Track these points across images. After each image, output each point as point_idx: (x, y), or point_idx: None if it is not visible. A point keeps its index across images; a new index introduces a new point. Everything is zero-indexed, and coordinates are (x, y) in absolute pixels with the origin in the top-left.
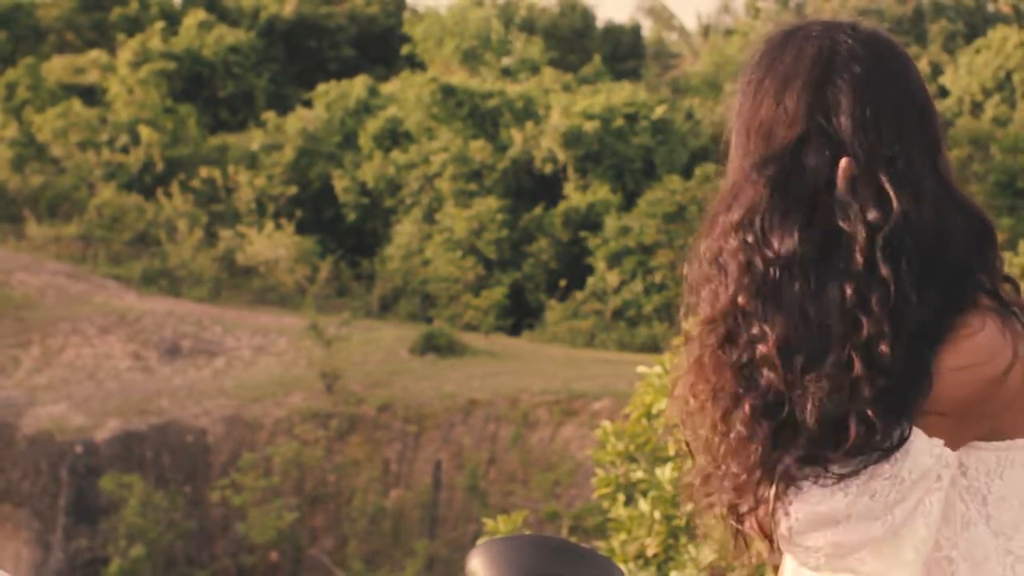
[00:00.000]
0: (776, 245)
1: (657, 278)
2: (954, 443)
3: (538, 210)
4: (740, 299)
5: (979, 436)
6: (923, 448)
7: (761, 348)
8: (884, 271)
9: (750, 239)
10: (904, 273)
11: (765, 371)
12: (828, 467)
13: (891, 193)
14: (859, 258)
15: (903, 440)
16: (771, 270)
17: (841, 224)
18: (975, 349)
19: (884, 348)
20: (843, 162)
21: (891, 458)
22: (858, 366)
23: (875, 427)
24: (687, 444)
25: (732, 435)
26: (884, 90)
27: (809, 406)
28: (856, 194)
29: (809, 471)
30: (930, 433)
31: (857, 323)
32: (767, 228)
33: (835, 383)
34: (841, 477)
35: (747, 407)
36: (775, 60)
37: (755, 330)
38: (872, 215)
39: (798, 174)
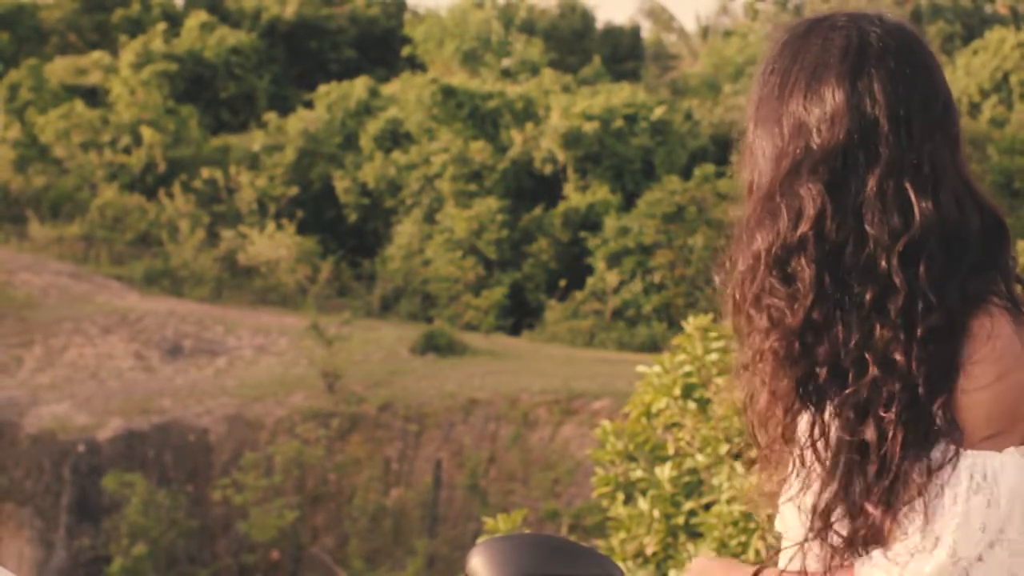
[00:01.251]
0: (845, 258)
1: (656, 278)
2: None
3: (538, 210)
4: (815, 314)
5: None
6: (1011, 469)
7: (824, 370)
8: (899, 277)
9: (820, 252)
10: (923, 277)
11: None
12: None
13: (913, 199)
14: (883, 264)
15: (954, 456)
16: (840, 282)
17: (867, 228)
18: (999, 361)
19: (898, 356)
20: (871, 179)
21: (975, 486)
22: (872, 371)
23: (902, 439)
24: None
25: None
26: (914, 85)
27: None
28: (884, 199)
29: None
30: (989, 447)
31: (873, 328)
32: (835, 239)
33: (857, 394)
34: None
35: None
36: (801, 49)
37: (828, 344)
38: (895, 221)
39: (851, 178)
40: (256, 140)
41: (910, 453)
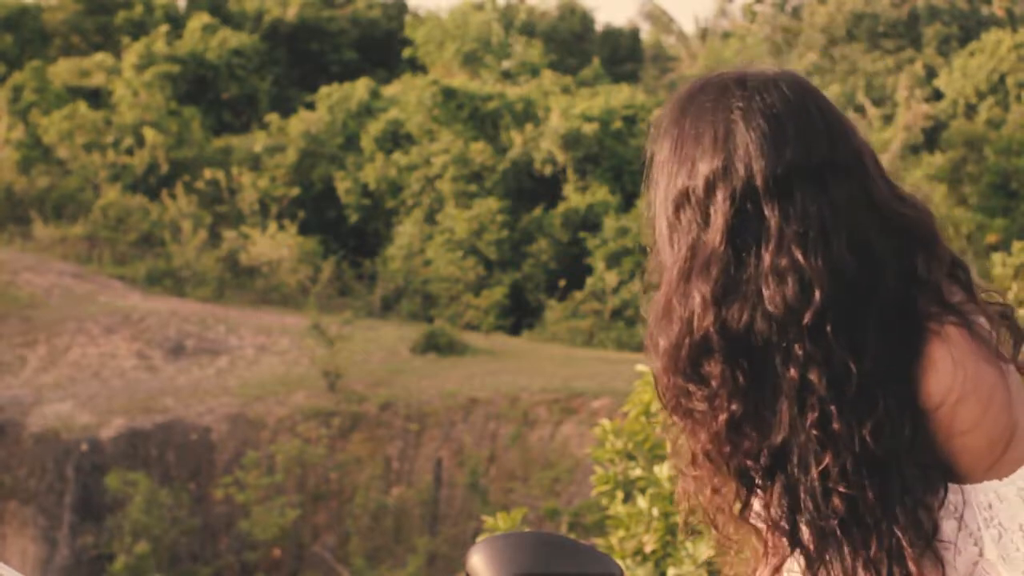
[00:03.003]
0: (755, 344)
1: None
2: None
3: (538, 211)
4: (735, 410)
5: None
6: (1012, 497)
7: (763, 460)
8: (809, 349)
9: (727, 346)
10: (833, 339)
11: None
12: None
13: (804, 265)
14: (795, 344)
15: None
16: (757, 370)
17: (769, 308)
18: (975, 393)
19: (836, 425)
20: (765, 255)
21: (984, 520)
22: (816, 449)
23: (869, 502)
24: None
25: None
26: (787, 139)
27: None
28: (778, 274)
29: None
30: (1001, 475)
31: (806, 405)
32: (738, 329)
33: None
34: None
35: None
36: (678, 140)
37: (759, 435)
38: (791, 294)
39: (744, 264)
40: (258, 141)
41: (896, 510)
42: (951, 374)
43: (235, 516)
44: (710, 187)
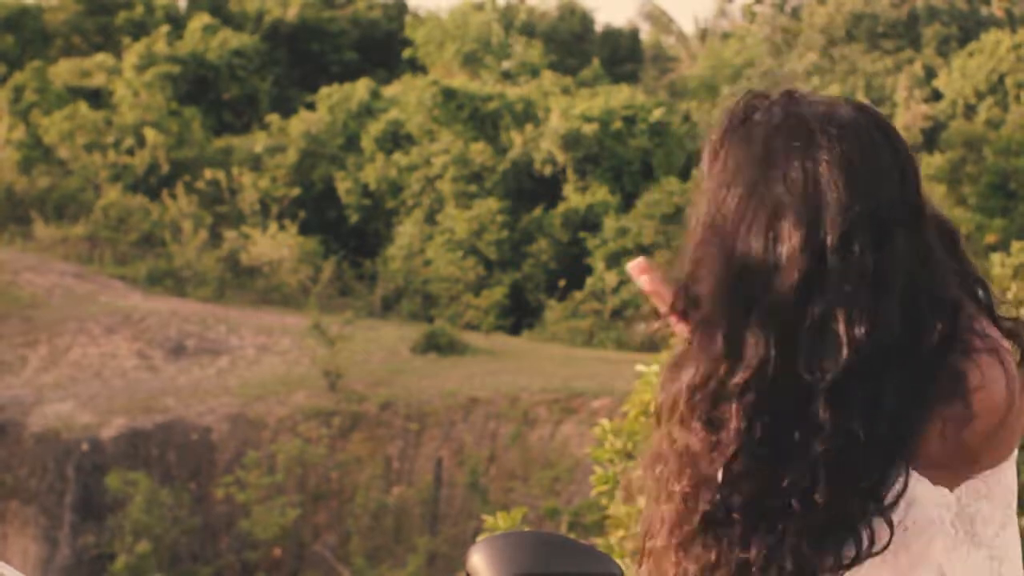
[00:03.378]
0: (782, 403)
1: None
2: (959, 482)
3: (538, 211)
4: (735, 465)
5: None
6: (929, 498)
7: (741, 514)
8: (827, 418)
9: (757, 399)
10: (853, 407)
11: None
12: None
13: (843, 332)
14: (818, 409)
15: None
16: (773, 428)
17: (803, 375)
18: (987, 416)
19: (818, 498)
20: (816, 313)
21: (892, 508)
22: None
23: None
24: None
25: None
26: (857, 191)
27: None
28: (819, 335)
29: None
30: (935, 481)
31: (798, 468)
32: (777, 385)
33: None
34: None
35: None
36: (759, 185)
37: (748, 493)
38: (826, 359)
39: (799, 320)
40: (258, 141)
41: (843, 562)
42: (972, 396)
43: (236, 516)
44: (788, 239)
